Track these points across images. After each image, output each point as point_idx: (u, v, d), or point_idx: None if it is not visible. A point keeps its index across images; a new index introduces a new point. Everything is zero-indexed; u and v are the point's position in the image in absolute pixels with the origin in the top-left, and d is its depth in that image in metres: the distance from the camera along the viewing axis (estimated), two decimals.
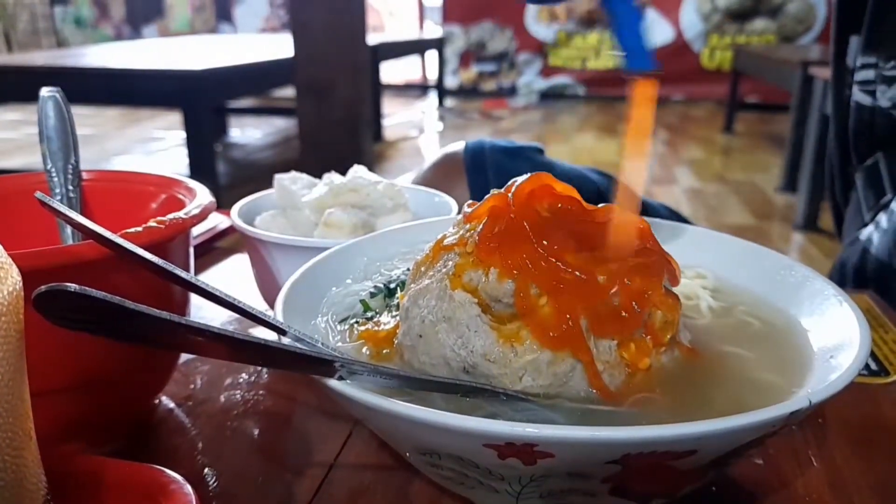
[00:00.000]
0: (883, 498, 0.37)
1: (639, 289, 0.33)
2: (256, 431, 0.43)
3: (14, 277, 0.23)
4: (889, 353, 0.51)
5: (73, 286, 0.22)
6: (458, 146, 0.84)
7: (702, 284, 0.43)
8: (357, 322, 0.39)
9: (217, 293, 0.33)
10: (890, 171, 0.72)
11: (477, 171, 0.79)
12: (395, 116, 4.88)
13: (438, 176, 0.78)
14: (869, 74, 0.72)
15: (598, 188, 0.78)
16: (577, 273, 0.33)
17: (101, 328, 0.24)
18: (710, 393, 0.33)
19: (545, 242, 0.34)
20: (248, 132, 4.54)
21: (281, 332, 0.34)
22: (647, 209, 0.78)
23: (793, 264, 0.42)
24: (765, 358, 0.36)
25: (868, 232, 0.74)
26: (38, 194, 0.33)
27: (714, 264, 0.45)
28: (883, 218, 0.72)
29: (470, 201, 0.38)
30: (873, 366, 0.49)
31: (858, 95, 0.74)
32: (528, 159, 0.77)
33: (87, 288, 0.22)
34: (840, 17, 0.79)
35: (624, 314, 0.33)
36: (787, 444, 0.40)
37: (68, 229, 0.45)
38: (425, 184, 0.67)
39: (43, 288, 0.22)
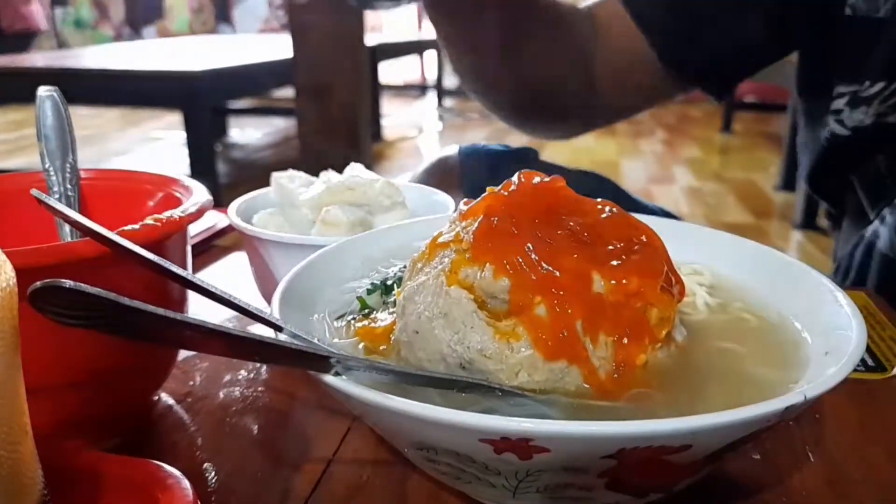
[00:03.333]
0: (880, 494, 0.37)
1: (635, 287, 0.34)
2: (255, 427, 0.43)
3: (7, 273, 0.23)
4: (886, 350, 0.51)
5: (68, 282, 0.22)
6: (451, 150, 0.84)
7: (698, 281, 0.44)
8: (354, 319, 0.39)
9: (215, 291, 0.33)
10: (890, 169, 0.73)
11: (472, 176, 0.79)
12: (394, 116, 4.88)
13: (433, 181, 0.79)
14: (840, 104, 0.72)
15: (592, 191, 0.78)
16: (573, 275, 0.33)
17: (97, 324, 0.24)
18: (706, 388, 0.33)
19: (540, 241, 0.34)
20: (248, 132, 4.54)
21: (278, 328, 0.34)
22: (644, 212, 0.79)
23: (789, 261, 0.42)
24: (761, 353, 0.36)
25: (874, 228, 0.74)
26: (35, 192, 0.33)
27: (711, 261, 0.46)
28: (888, 211, 0.72)
29: (466, 199, 0.38)
30: (870, 362, 0.49)
31: (833, 126, 0.74)
32: (522, 162, 0.79)
33: (82, 284, 0.23)
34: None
35: (619, 314, 0.33)
36: (784, 440, 0.41)
37: (66, 228, 0.45)
38: None
39: (38, 284, 0.22)
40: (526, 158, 0.83)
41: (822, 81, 0.76)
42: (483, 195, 0.37)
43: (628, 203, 0.77)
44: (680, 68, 0.77)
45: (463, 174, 0.80)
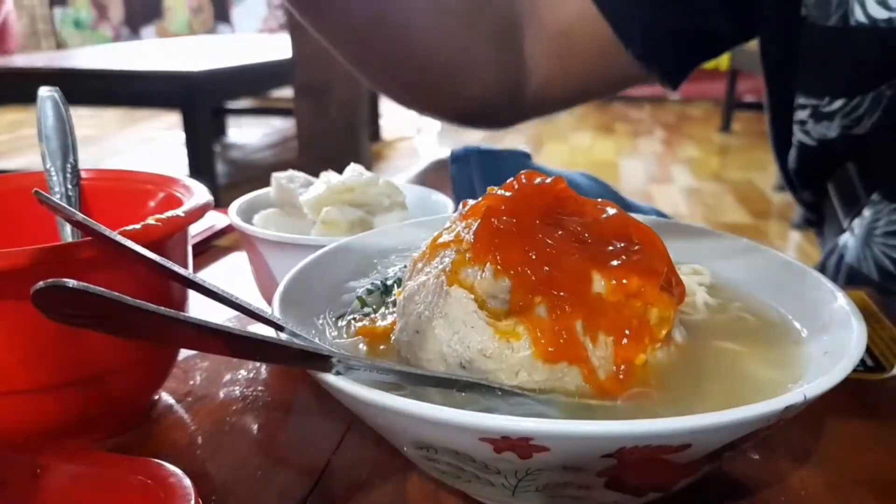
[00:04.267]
0: (879, 494, 0.37)
1: (635, 287, 0.34)
2: (255, 427, 0.43)
3: None
4: (886, 349, 0.51)
5: (71, 282, 0.22)
6: (446, 154, 0.83)
7: (698, 281, 0.44)
8: (354, 318, 0.39)
9: (216, 290, 0.33)
10: (861, 177, 0.73)
11: (461, 179, 0.78)
12: (393, 116, 4.88)
13: (427, 184, 0.78)
14: (803, 115, 0.72)
15: (585, 192, 0.77)
16: (573, 275, 0.33)
17: (99, 324, 0.24)
18: (706, 388, 0.34)
19: (541, 242, 0.34)
20: (247, 133, 4.54)
21: (279, 328, 0.34)
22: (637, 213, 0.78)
23: (789, 261, 0.42)
24: (760, 353, 0.36)
25: (844, 238, 0.74)
26: (36, 191, 0.34)
27: (711, 261, 0.46)
28: (857, 223, 0.72)
29: (465, 199, 0.38)
30: (870, 362, 0.49)
31: (800, 136, 0.74)
32: (514, 165, 0.77)
33: (85, 283, 0.23)
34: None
35: (619, 314, 0.33)
36: (783, 439, 0.41)
37: (68, 228, 0.45)
38: None
39: (41, 284, 0.22)
40: (518, 161, 0.83)
41: (785, 85, 0.74)
42: (484, 195, 0.37)
43: (621, 204, 0.77)
44: (635, 46, 0.72)
45: (453, 178, 0.79)
